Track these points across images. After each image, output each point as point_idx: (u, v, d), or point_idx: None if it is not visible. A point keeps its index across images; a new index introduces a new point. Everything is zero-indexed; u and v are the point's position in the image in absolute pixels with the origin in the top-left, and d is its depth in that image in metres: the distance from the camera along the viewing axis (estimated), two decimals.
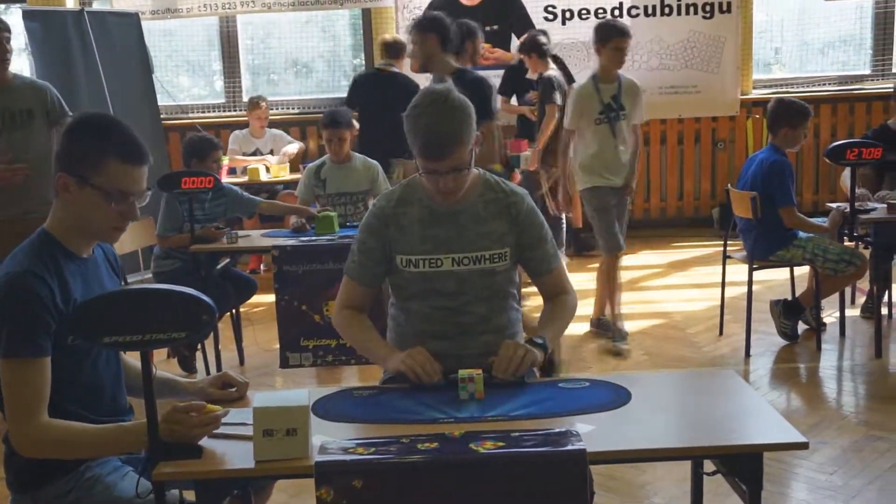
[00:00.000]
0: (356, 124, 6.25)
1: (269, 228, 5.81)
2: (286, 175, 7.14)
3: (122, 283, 2.45)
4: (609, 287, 5.15)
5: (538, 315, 2.68)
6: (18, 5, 8.03)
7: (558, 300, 2.64)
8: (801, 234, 4.88)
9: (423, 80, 5.23)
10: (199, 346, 4.94)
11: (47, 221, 2.22)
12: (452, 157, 2.41)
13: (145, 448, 2.00)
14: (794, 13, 8.71)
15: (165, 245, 4.89)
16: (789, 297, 5.19)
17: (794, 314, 5.05)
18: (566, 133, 5.30)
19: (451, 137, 2.40)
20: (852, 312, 5.36)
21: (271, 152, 7.42)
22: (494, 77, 8.05)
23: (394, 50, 6.71)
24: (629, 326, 5.35)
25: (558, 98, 6.02)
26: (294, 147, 7.45)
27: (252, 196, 5.29)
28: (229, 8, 8.13)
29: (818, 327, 5.00)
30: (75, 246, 2.21)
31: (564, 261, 4.74)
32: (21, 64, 8.44)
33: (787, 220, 4.79)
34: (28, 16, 6.48)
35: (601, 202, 5.08)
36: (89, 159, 2.13)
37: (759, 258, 4.91)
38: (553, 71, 6.26)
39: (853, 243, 5.07)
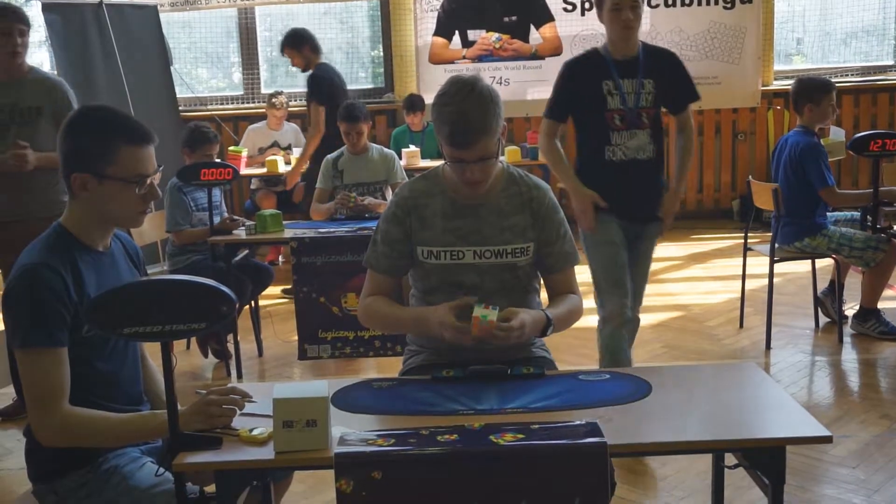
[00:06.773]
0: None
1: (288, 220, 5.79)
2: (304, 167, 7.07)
3: (144, 275, 2.45)
4: None
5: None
6: None
7: (566, 296, 2.60)
8: (830, 225, 4.84)
9: None
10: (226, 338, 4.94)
11: (62, 217, 2.23)
12: (479, 146, 2.39)
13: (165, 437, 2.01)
14: (816, 3, 8.64)
15: (183, 241, 4.85)
16: (826, 288, 5.16)
17: (869, 317, 4.94)
18: None
19: (478, 126, 2.37)
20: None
21: (289, 146, 7.38)
22: (512, 69, 8.12)
23: None
24: (648, 319, 5.32)
25: None
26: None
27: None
28: None
29: (840, 319, 4.96)
30: (91, 239, 2.22)
31: None
32: (41, 57, 8.50)
33: (830, 201, 4.75)
34: (47, 8, 6.51)
35: None
36: (101, 152, 2.13)
37: (784, 244, 4.87)
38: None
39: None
